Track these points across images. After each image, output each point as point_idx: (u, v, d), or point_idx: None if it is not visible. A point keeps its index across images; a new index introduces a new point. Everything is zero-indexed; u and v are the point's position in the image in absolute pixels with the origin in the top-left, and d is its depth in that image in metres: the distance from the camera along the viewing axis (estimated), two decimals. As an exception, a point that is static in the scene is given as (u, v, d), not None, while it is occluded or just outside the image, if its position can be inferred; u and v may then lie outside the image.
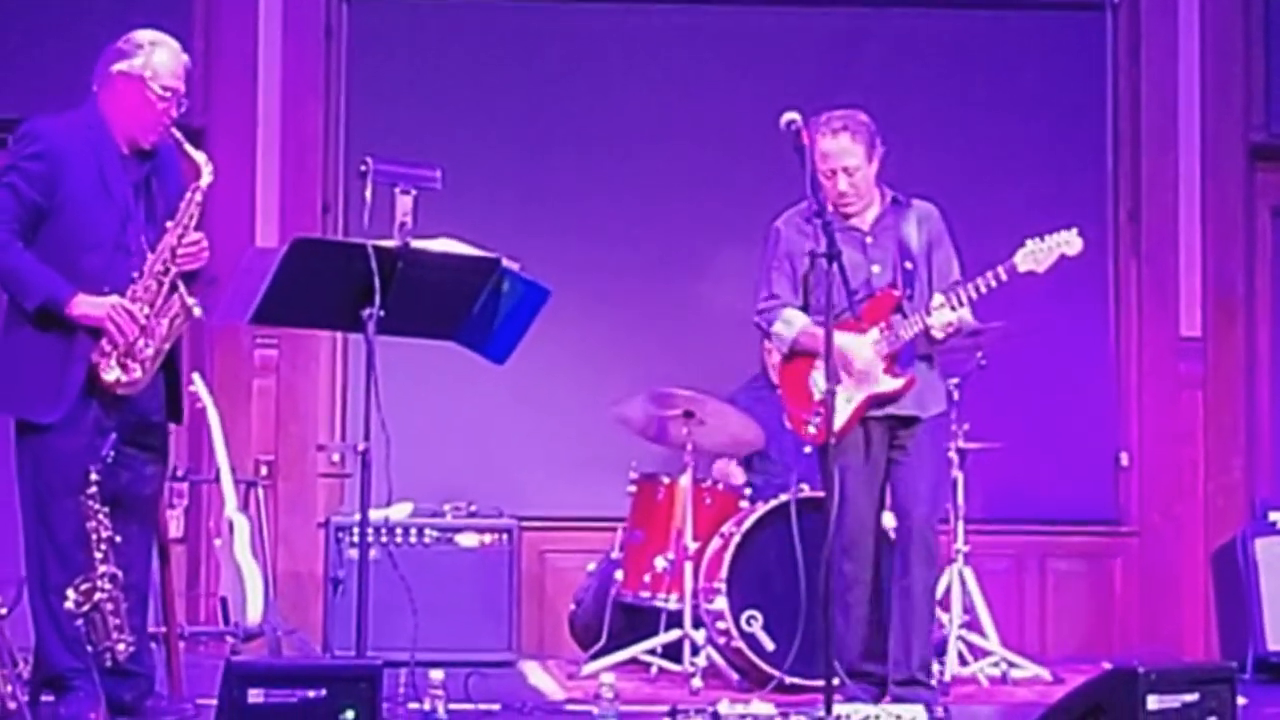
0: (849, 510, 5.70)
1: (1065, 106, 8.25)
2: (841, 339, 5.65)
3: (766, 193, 6.29)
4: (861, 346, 5.74)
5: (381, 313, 5.11)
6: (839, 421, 5.67)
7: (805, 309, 5.88)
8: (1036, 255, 5.78)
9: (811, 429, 5.78)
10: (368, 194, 5.27)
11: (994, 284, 5.76)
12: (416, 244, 5.22)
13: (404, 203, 5.27)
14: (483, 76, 8.07)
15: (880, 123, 8.05)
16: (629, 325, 7.92)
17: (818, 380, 5.71)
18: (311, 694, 4.48)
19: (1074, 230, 5.84)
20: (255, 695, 4.43)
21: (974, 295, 5.78)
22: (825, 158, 5.74)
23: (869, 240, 5.85)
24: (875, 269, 5.82)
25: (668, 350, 7.85)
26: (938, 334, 5.77)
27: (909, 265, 5.79)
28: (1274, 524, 7.46)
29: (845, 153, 5.77)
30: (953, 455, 6.99)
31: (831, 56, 8.11)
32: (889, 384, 5.75)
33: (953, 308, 5.75)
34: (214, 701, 4.52)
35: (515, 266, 5.41)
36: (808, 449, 6.02)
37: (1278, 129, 8.25)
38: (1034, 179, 8.13)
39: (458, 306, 5.35)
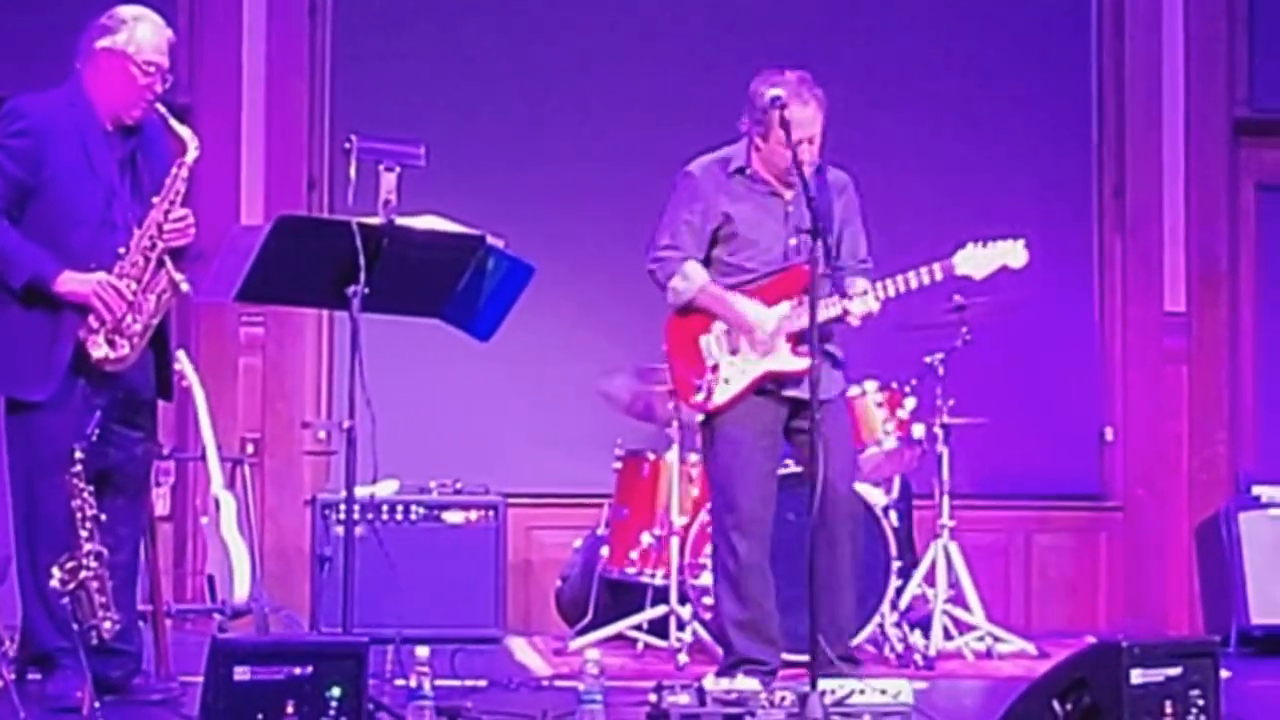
0: (742, 487, 5.56)
1: (1050, 82, 8.26)
2: (749, 306, 5.55)
3: (753, 167, 6.28)
4: (768, 318, 5.58)
5: (366, 290, 5.09)
6: (731, 391, 5.57)
7: (705, 264, 5.68)
8: (976, 260, 5.66)
9: (699, 396, 5.60)
10: (352, 171, 5.26)
11: (927, 281, 5.64)
12: (401, 221, 5.21)
13: (388, 180, 5.26)
14: (467, 53, 8.06)
15: (866, 97, 8.11)
16: (614, 301, 7.91)
17: (711, 344, 5.60)
18: (298, 671, 4.47)
19: (1020, 241, 5.73)
20: (241, 672, 4.42)
21: (903, 289, 5.65)
22: (797, 126, 5.46)
23: (790, 210, 5.68)
24: (793, 241, 5.64)
25: (654, 326, 7.79)
26: (854, 321, 5.61)
27: (830, 240, 5.54)
28: (1258, 498, 7.49)
29: (814, 122, 5.57)
30: (938, 430, 7.01)
31: (817, 31, 8.10)
32: (791, 362, 5.58)
33: (877, 298, 5.61)
34: (200, 679, 4.51)
35: (500, 243, 5.40)
36: (700, 417, 5.74)
37: (1261, 104, 8.26)
38: (1019, 155, 8.15)
39: (442, 284, 5.34)
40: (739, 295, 5.63)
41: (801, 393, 5.54)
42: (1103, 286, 8.27)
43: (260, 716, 4.42)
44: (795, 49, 7.74)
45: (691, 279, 5.64)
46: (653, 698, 4.96)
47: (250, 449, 7.76)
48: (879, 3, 8.23)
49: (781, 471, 5.96)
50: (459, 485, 7.46)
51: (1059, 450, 8.17)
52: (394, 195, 5.25)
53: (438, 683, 5.31)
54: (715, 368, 5.60)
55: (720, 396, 5.61)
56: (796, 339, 5.63)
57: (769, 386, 5.66)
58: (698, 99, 7.86)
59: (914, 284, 5.66)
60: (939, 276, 5.68)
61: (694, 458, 7.12)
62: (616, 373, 7.23)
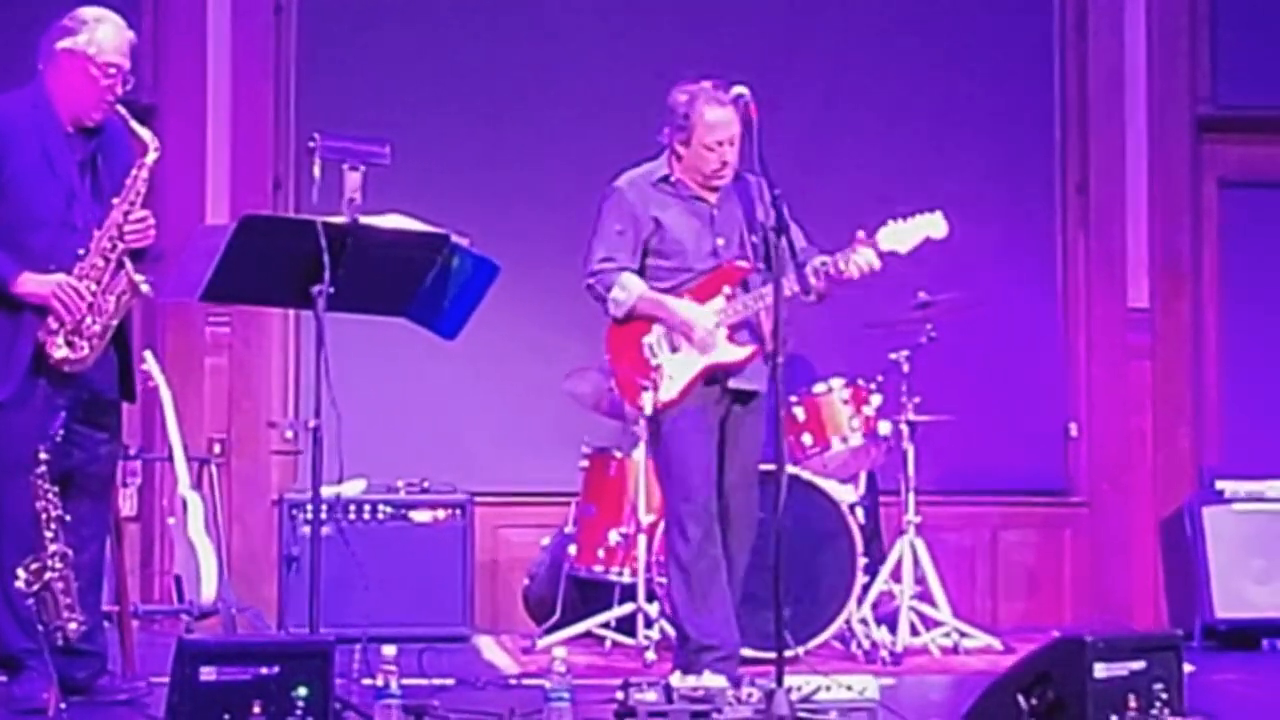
0: (694, 476, 5.65)
1: (1013, 80, 8.30)
2: (686, 306, 5.67)
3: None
4: (704, 315, 5.69)
5: (331, 289, 5.09)
6: (677, 387, 5.66)
7: (640, 273, 5.78)
8: (899, 235, 5.74)
9: (646, 396, 5.69)
10: (316, 170, 5.26)
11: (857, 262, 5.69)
12: (366, 220, 5.21)
13: (353, 179, 5.26)
14: (433, 52, 8.06)
15: (831, 96, 8.14)
16: (580, 299, 7.88)
17: (653, 345, 5.71)
18: (264, 671, 4.48)
19: (938, 213, 5.79)
20: (208, 673, 4.43)
21: (843, 268, 5.69)
22: (714, 128, 5.64)
23: (715, 213, 5.79)
24: (720, 241, 5.76)
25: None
26: (853, 272, 5.67)
27: (754, 239, 5.72)
28: (1221, 493, 7.53)
29: (731, 123, 5.66)
30: (903, 427, 7.04)
31: (780, 30, 8.13)
32: (733, 353, 5.69)
33: (819, 275, 5.66)
34: (167, 679, 4.51)
35: (465, 242, 5.41)
36: (648, 410, 5.75)
37: (1224, 101, 8.32)
38: (983, 152, 8.18)
39: (408, 283, 5.34)
40: (674, 297, 5.74)
41: (743, 384, 5.72)
42: (1066, 283, 8.31)
43: (227, 717, 4.43)
44: (759, 50, 7.80)
45: (629, 288, 5.73)
46: (620, 695, 4.98)
47: (217, 449, 7.75)
48: (838, 3, 8.24)
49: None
50: (426, 484, 7.46)
51: (1024, 446, 8.21)
52: (359, 194, 5.25)
53: (405, 681, 5.32)
54: (659, 368, 5.69)
55: (666, 394, 5.70)
56: (733, 331, 5.73)
57: (714, 378, 5.75)
58: (663, 100, 7.88)
59: (839, 265, 5.72)
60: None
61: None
62: (583, 371, 7.25)
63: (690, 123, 5.69)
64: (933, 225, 5.80)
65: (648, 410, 5.73)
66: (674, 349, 5.72)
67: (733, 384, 5.75)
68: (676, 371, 5.70)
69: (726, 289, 5.74)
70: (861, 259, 5.69)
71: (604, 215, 5.83)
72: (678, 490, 5.71)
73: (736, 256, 5.77)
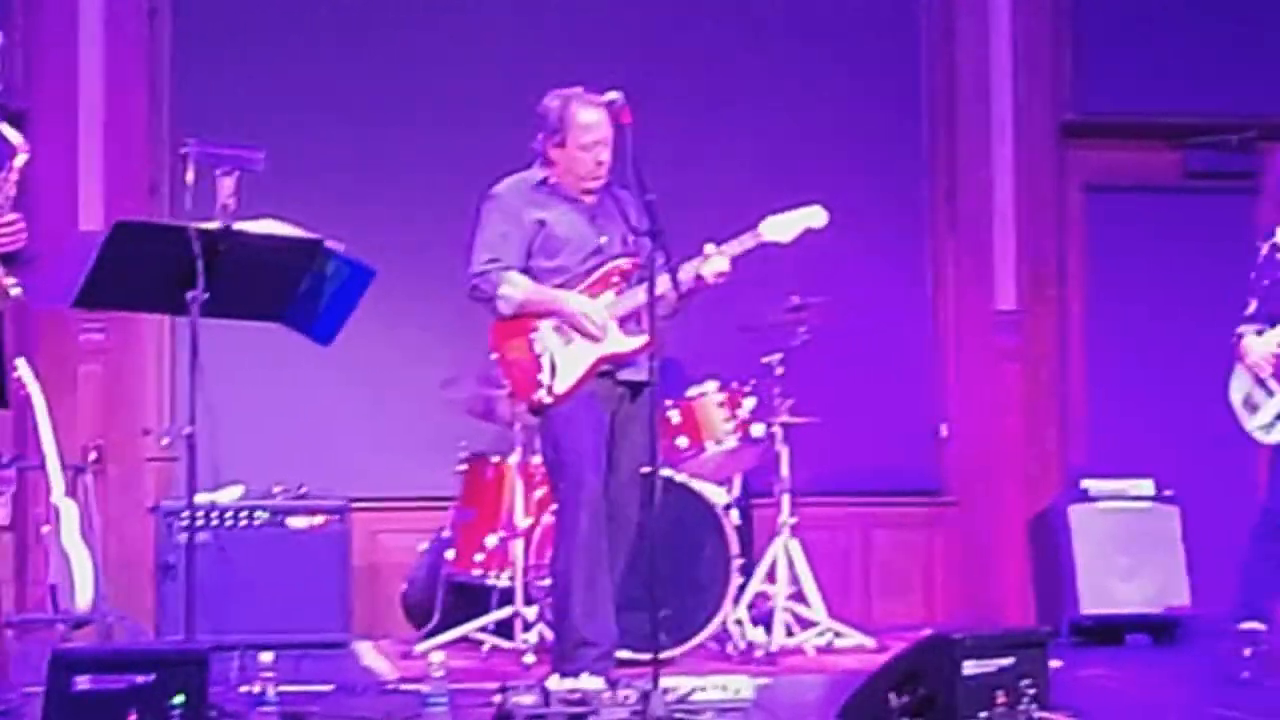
0: (587, 464, 5.70)
1: (882, 87, 8.40)
2: (577, 298, 5.76)
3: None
4: (595, 308, 5.78)
5: (206, 295, 5.09)
6: (571, 379, 5.73)
7: (524, 274, 5.84)
8: (781, 225, 5.90)
9: (541, 391, 5.74)
10: (190, 176, 5.25)
11: (739, 250, 5.84)
12: (240, 226, 5.21)
13: (226, 184, 5.26)
14: (307, 58, 8.03)
15: (702, 103, 8.20)
16: (456, 303, 7.86)
17: (543, 339, 5.75)
18: (139, 679, 4.47)
19: (817, 206, 5.95)
20: (83, 682, 4.41)
21: (702, 274, 5.80)
22: (588, 129, 5.79)
23: (596, 212, 5.90)
24: (603, 239, 5.88)
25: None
26: (710, 278, 5.77)
27: (632, 238, 5.77)
28: (1087, 491, 7.66)
29: (603, 125, 5.78)
30: (777, 429, 7.12)
31: (653, 37, 8.18)
32: (626, 343, 5.78)
33: (722, 255, 5.80)
34: (42, 689, 4.48)
35: (339, 247, 5.42)
36: (547, 400, 5.80)
37: (1087, 107, 8.46)
38: (853, 159, 8.26)
39: (282, 288, 5.35)
40: (564, 291, 5.82)
41: (634, 375, 5.78)
42: (936, 287, 8.42)
43: (102, 726, 4.41)
44: (630, 56, 7.85)
45: (518, 285, 5.80)
46: (497, 698, 5.01)
47: (92, 457, 7.68)
48: (711, 10, 8.31)
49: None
50: (303, 490, 7.44)
51: (896, 447, 8.31)
52: (233, 200, 5.25)
53: (282, 688, 5.33)
54: (551, 361, 5.73)
55: (561, 386, 5.75)
56: (623, 322, 5.81)
57: (606, 371, 5.81)
58: (537, 104, 7.91)
59: (737, 251, 5.85)
60: (750, 244, 5.88)
61: (537, 460, 7.15)
62: (460, 376, 7.26)
63: (564, 125, 5.81)
64: (813, 216, 5.96)
65: (547, 400, 5.73)
66: (566, 341, 5.78)
67: (624, 375, 5.81)
68: (569, 364, 5.75)
69: (616, 281, 5.83)
70: (711, 267, 5.78)
71: (485, 220, 5.89)
72: (570, 479, 5.73)
73: (620, 254, 5.85)
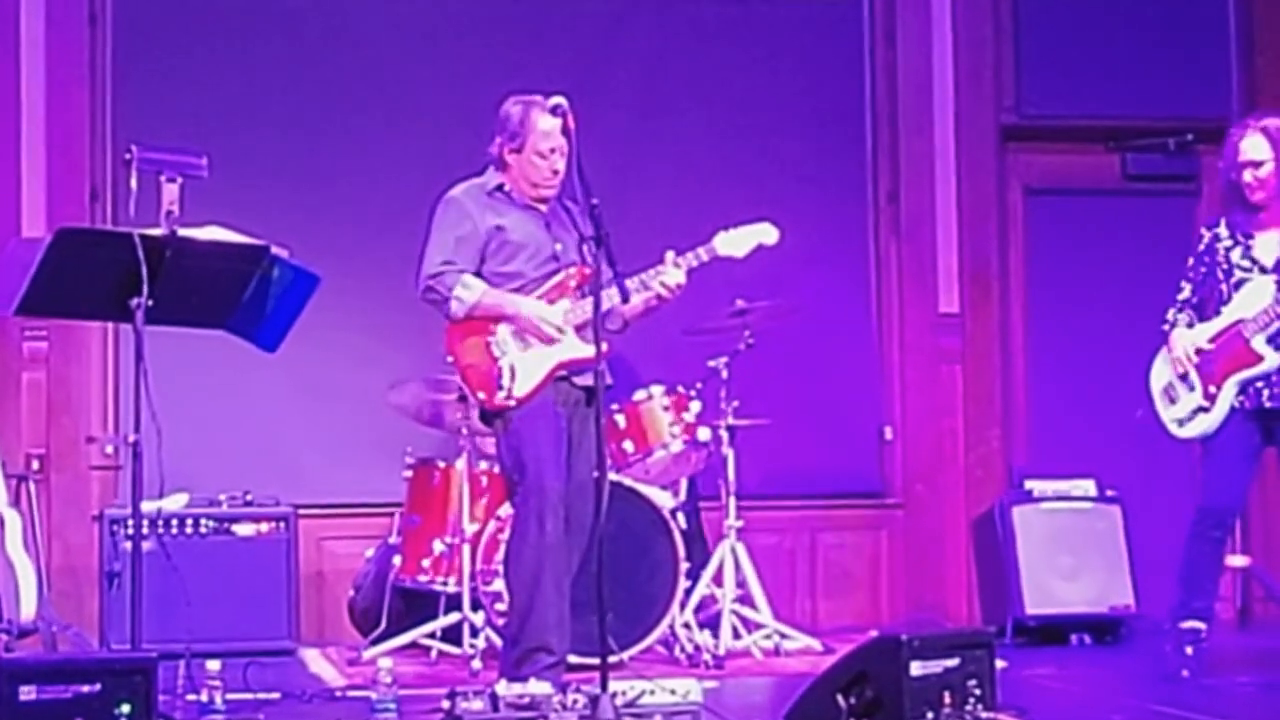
0: (547, 470, 5.66)
1: (825, 92, 8.43)
2: (533, 304, 5.74)
3: (537, 175, 6.35)
4: (552, 314, 5.76)
5: (150, 302, 5.07)
6: (531, 383, 5.72)
7: (478, 277, 5.82)
8: (734, 241, 5.92)
9: (501, 395, 5.72)
10: (133, 182, 5.23)
11: (694, 263, 5.85)
12: (184, 232, 5.19)
13: (170, 191, 5.24)
14: (251, 63, 8.01)
15: (645, 108, 8.22)
16: (402, 309, 7.87)
17: (500, 343, 5.74)
18: (85, 689, 4.44)
19: (767, 223, 5.98)
20: (27, 692, 4.38)
21: (654, 287, 5.80)
22: (548, 136, 5.79)
23: (551, 222, 5.89)
24: (558, 246, 5.86)
25: (442, 333, 7.83)
26: (664, 292, 5.77)
27: (587, 248, 5.75)
28: (1030, 492, 7.70)
29: (559, 133, 5.78)
30: (723, 433, 7.14)
31: (597, 41, 8.20)
32: (583, 349, 5.75)
33: (677, 265, 5.79)
34: (-15, 699, 4.46)
35: (284, 253, 5.41)
36: (511, 401, 5.75)
37: (1027, 111, 8.53)
38: (796, 162, 8.30)
39: (227, 295, 5.34)
40: (519, 295, 5.80)
41: (591, 380, 5.70)
42: (879, 289, 8.46)
43: (48, 735, 4.39)
44: (574, 62, 7.87)
45: (472, 288, 5.77)
46: (446, 704, 5.01)
47: (35, 465, 7.65)
48: (656, 15, 8.33)
49: None
50: (249, 497, 7.43)
51: (841, 450, 8.34)
52: (176, 206, 5.22)
53: (230, 696, 5.33)
54: (510, 365, 5.72)
55: (521, 390, 5.72)
56: (580, 329, 5.79)
57: (562, 374, 5.80)
58: (484, 111, 7.89)
59: (693, 263, 5.85)
60: (705, 258, 5.88)
61: (484, 465, 7.18)
62: (405, 382, 7.25)
63: (524, 130, 5.80)
64: (765, 233, 5.98)
65: (509, 404, 5.71)
66: (524, 346, 5.76)
67: (580, 380, 5.80)
68: (527, 368, 5.73)
69: (572, 288, 5.82)
70: (670, 278, 5.79)
71: (440, 224, 5.86)
72: (532, 483, 5.68)
73: (574, 262, 5.84)
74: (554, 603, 5.66)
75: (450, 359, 5.87)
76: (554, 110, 5.63)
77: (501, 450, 5.83)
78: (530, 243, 5.83)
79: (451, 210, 5.87)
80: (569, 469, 5.76)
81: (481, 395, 5.78)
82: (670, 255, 5.83)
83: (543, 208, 5.90)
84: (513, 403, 5.72)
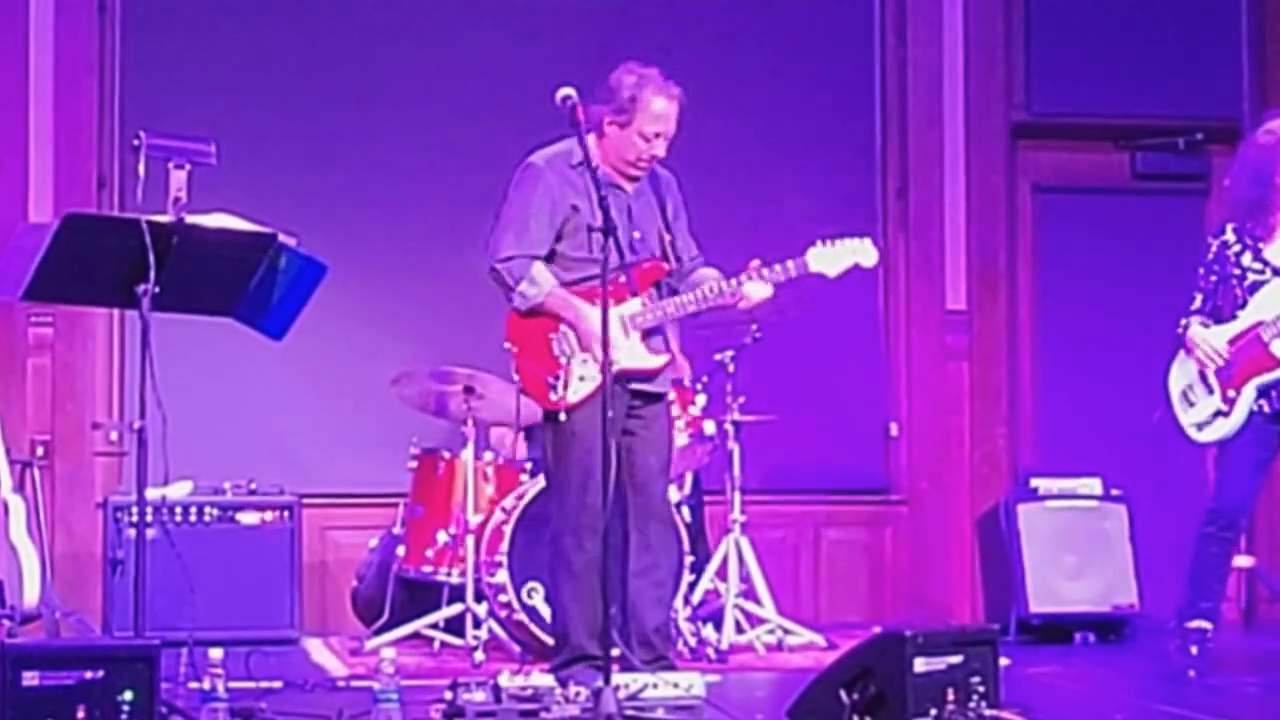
0: (595, 486, 5.36)
1: (835, 87, 8.43)
2: (593, 316, 5.41)
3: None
4: (613, 318, 5.43)
5: (156, 289, 5.07)
6: (587, 389, 5.53)
7: (549, 258, 5.61)
8: (829, 258, 5.68)
9: (555, 395, 5.55)
10: (141, 169, 5.22)
11: (782, 278, 5.66)
12: (191, 219, 5.19)
13: (178, 178, 5.23)
14: (259, 51, 8.01)
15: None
16: (409, 299, 7.92)
17: (562, 342, 5.57)
18: (88, 675, 4.44)
19: (867, 240, 5.77)
20: (30, 678, 4.38)
21: (739, 295, 5.65)
22: (659, 119, 5.56)
23: (633, 205, 5.68)
24: (636, 234, 5.65)
25: (448, 324, 7.86)
26: (746, 305, 5.62)
27: (669, 237, 5.65)
28: (1035, 490, 7.71)
29: (672, 117, 5.61)
30: (728, 427, 7.13)
31: (606, 34, 8.17)
32: (646, 360, 5.61)
33: (765, 280, 5.60)
34: (-11, 685, 4.46)
35: (292, 242, 5.40)
36: (562, 416, 5.62)
37: (1038, 108, 8.52)
38: (806, 157, 8.29)
39: (234, 282, 5.33)
40: (584, 303, 5.55)
41: (651, 386, 5.67)
42: (887, 286, 8.45)
43: (50, 721, 4.39)
44: (588, 54, 7.82)
45: (540, 284, 5.56)
46: (448, 695, 5.01)
47: (40, 451, 7.65)
48: (664, 9, 8.31)
49: None
50: (253, 486, 7.42)
51: (846, 446, 8.34)
52: (184, 193, 5.22)
53: (232, 685, 5.29)
54: (568, 365, 5.58)
55: (575, 395, 5.57)
56: (647, 335, 5.65)
57: (622, 385, 5.59)
58: (492, 101, 7.91)
59: (780, 277, 5.66)
60: (794, 273, 5.68)
61: (489, 456, 7.18)
62: (411, 372, 7.25)
63: (634, 107, 5.55)
64: (863, 253, 5.73)
65: (560, 406, 5.58)
66: (585, 348, 5.56)
67: (636, 386, 5.65)
68: (586, 373, 5.55)
69: (643, 290, 5.59)
70: (755, 293, 5.58)
71: (519, 195, 5.61)
72: (577, 498, 5.56)
73: (654, 254, 5.66)
74: (591, 616, 5.51)
75: (509, 347, 5.70)
76: (563, 102, 5.32)
77: (544, 453, 5.71)
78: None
79: (530, 183, 5.60)
80: (638, 463, 5.62)
81: (534, 390, 5.63)
82: (755, 264, 5.59)
83: (629, 188, 5.65)
84: (563, 406, 5.56)
